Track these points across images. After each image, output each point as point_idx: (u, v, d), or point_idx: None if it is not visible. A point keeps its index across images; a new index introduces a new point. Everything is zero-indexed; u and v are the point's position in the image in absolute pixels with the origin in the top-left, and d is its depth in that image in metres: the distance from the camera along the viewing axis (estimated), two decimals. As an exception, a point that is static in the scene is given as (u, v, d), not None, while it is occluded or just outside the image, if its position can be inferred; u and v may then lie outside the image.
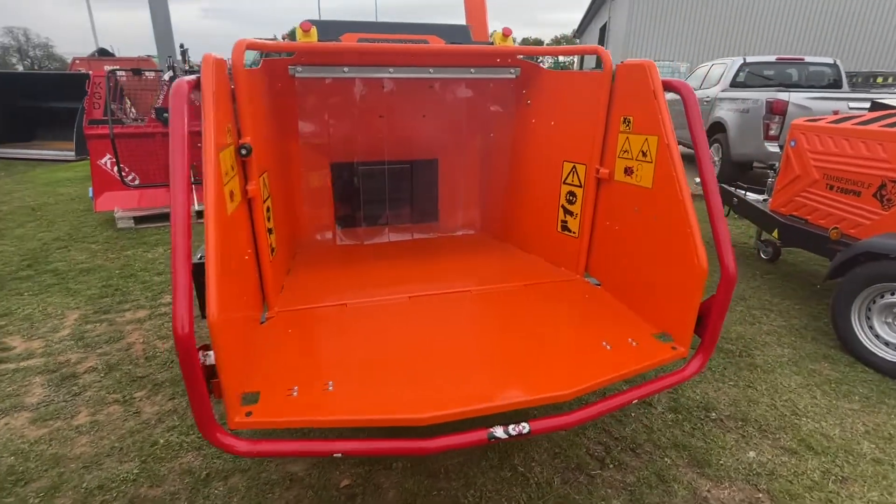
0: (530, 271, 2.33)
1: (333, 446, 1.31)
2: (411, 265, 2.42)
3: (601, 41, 26.67)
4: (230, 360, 1.29)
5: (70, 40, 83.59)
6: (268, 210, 1.89)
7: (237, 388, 1.36)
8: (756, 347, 2.95)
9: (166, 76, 5.48)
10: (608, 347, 1.68)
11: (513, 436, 1.40)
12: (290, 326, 1.83)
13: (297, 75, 2.07)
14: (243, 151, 1.61)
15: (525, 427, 1.40)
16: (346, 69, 2.07)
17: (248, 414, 1.35)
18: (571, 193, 2.21)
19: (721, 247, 1.52)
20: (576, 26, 35.68)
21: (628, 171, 1.90)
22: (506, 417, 1.46)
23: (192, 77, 1.34)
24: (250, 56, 2.02)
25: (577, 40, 38.81)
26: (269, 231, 1.90)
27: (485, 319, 1.95)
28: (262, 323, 1.83)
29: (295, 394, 1.44)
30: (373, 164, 2.68)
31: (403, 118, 2.59)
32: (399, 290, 2.10)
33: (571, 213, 2.24)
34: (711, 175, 1.58)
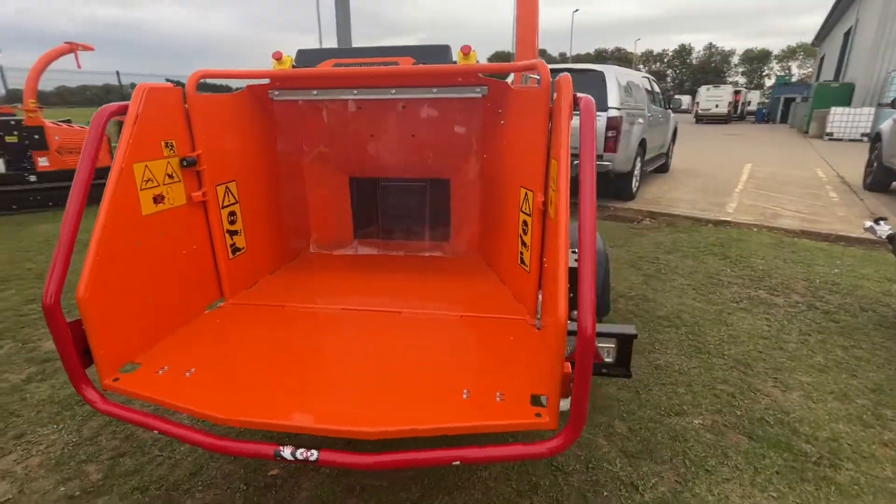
0: (483, 303, 2.15)
1: (150, 423, 1.49)
2: (382, 280, 2.46)
3: (843, 49, 21.74)
4: (101, 331, 1.57)
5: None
6: (231, 214, 2.18)
7: (113, 356, 1.63)
8: (849, 459, 2.14)
9: None
10: (465, 396, 1.48)
11: (298, 460, 1.37)
12: (225, 317, 2.08)
13: (274, 98, 2.33)
14: (184, 163, 1.92)
15: (313, 454, 1.36)
16: (314, 92, 2.26)
17: (116, 379, 1.62)
18: (525, 223, 1.98)
19: (583, 289, 1.21)
20: (816, 32, 29.81)
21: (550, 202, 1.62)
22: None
23: (120, 104, 1.69)
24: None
25: (817, 49, 32.34)
26: (232, 233, 2.19)
27: (391, 342, 1.89)
28: (207, 310, 2.12)
29: (161, 372, 1.66)
30: (389, 179, 2.81)
31: (397, 138, 2.69)
32: (341, 302, 2.17)
33: (525, 245, 2.00)
34: (589, 196, 1.32)
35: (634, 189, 7.20)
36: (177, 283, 1.96)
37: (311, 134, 2.75)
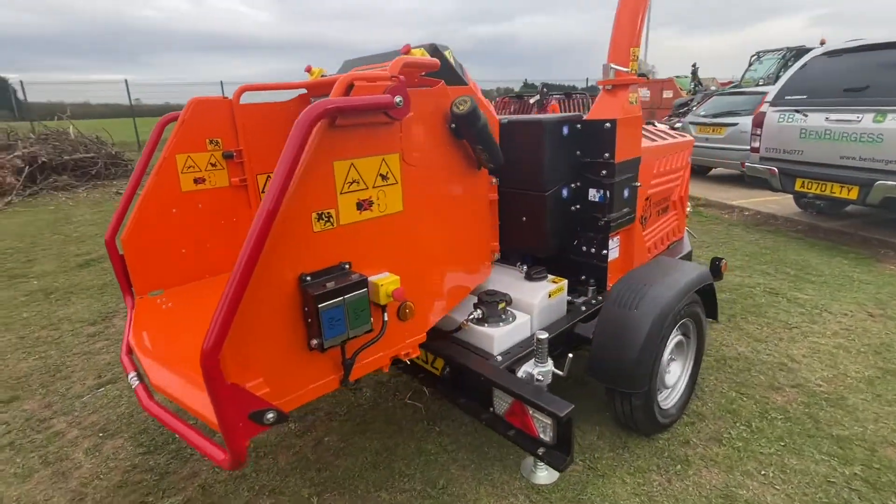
0: None
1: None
2: None
3: None
4: (134, 264, 2.25)
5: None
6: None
7: (143, 284, 2.31)
8: None
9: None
10: None
11: None
12: None
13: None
14: (225, 155, 2.48)
15: None
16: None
17: (142, 297, 2.29)
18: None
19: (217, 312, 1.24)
20: None
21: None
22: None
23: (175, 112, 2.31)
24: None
25: None
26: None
27: None
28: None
29: (160, 302, 2.27)
30: None
31: None
32: None
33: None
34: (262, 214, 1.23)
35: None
36: (212, 243, 2.58)
37: None
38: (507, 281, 2.54)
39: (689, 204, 3.77)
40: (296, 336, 1.39)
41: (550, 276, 2.54)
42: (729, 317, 3.69)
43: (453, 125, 1.88)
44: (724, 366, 3.06)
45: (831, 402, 2.70)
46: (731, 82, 16.50)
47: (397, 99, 1.42)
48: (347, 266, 1.48)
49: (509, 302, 2.32)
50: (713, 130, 8.42)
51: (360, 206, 1.49)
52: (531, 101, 6.43)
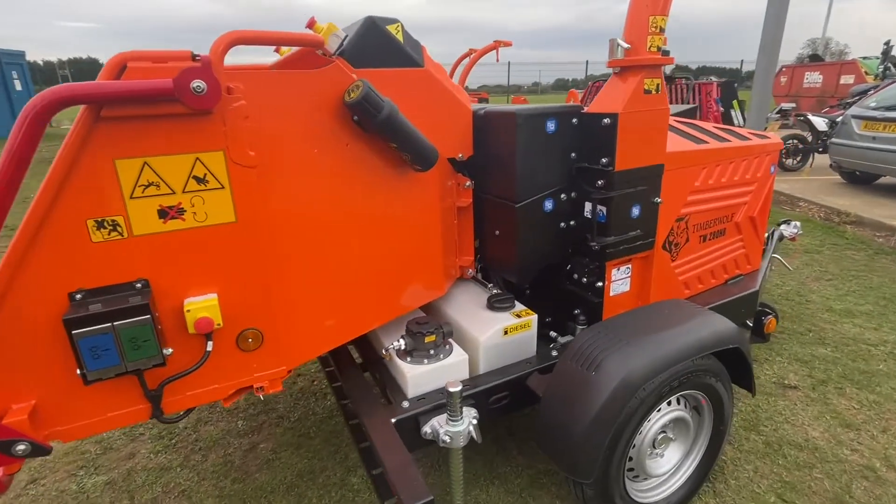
0: None
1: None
2: None
3: None
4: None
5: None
6: None
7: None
8: None
9: None
10: None
11: None
12: None
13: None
14: None
15: None
16: None
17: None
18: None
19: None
20: None
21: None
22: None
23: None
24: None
25: None
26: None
27: None
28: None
29: None
30: None
31: None
32: None
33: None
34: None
35: None
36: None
37: None
38: (468, 306, 2.11)
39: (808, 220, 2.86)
40: (70, 362, 1.20)
41: (519, 308, 2.05)
42: (816, 383, 2.75)
43: (356, 117, 1.53)
44: (775, 453, 2.26)
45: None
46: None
47: (195, 84, 1.13)
48: (140, 284, 1.24)
49: (448, 334, 1.91)
50: (885, 128, 6.52)
51: (164, 213, 1.24)
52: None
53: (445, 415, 1.64)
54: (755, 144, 2.43)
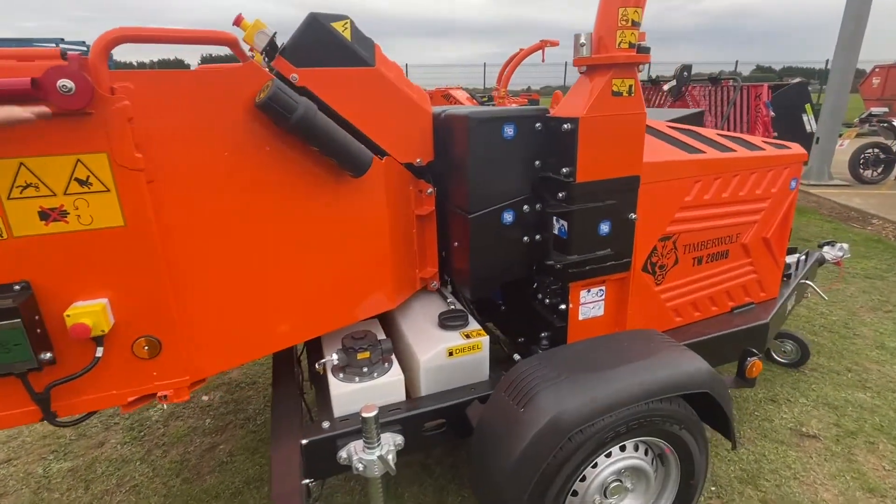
0: None
1: None
2: None
3: None
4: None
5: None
6: None
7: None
8: None
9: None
10: None
11: None
12: None
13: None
14: None
15: None
16: None
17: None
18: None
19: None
20: None
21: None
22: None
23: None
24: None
25: None
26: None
27: None
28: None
29: None
30: None
31: None
32: None
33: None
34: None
35: None
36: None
37: None
38: (421, 321, 1.98)
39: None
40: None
41: (471, 327, 1.89)
42: (843, 434, 2.36)
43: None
44: (772, 514, 1.95)
45: None
46: None
47: (61, 84, 1.08)
48: (20, 287, 1.22)
49: (386, 351, 1.79)
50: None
51: (46, 216, 1.21)
52: (665, 87, 5.11)
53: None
54: (768, 155, 2.10)
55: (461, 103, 7.81)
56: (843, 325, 3.41)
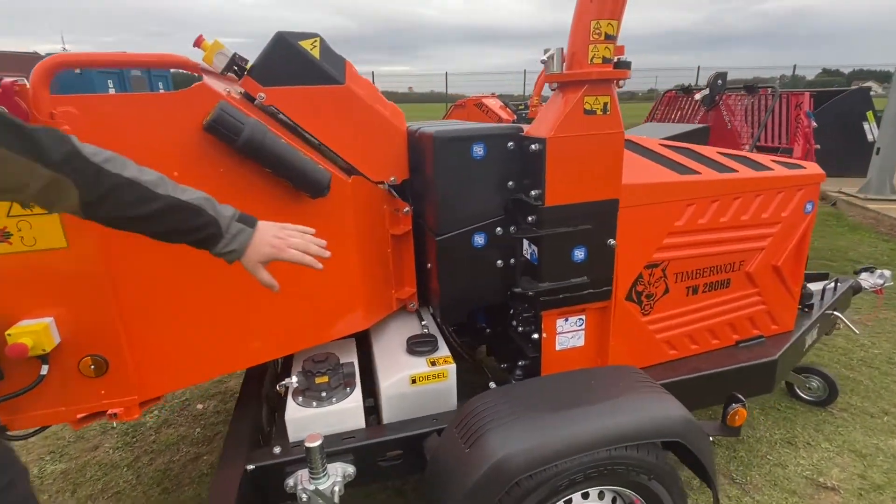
0: None
1: None
2: None
3: None
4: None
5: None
6: None
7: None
8: None
9: None
10: None
11: None
12: None
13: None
14: None
15: None
16: None
17: None
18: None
19: None
20: None
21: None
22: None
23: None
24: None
25: None
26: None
27: None
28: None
29: None
30: None
31: None
32: None
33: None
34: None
35: None
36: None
37: None
38: (392, 345, 1.92)
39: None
40: None
41: (439, 354, 1.82)
42: (868, 488, 2.10)
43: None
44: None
45: None
46: None
47: (-7, 110, 1.10)
48: (-36, 305, 1.26)
49: (348, 375, 1.74)
50: None
51: (-10, 237, 1.24)
52: (697, 96, 4.82)
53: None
54: (776, 176, 1.91)
55: (494, 112, 7.69)
56: (885, 360, 3.07)
